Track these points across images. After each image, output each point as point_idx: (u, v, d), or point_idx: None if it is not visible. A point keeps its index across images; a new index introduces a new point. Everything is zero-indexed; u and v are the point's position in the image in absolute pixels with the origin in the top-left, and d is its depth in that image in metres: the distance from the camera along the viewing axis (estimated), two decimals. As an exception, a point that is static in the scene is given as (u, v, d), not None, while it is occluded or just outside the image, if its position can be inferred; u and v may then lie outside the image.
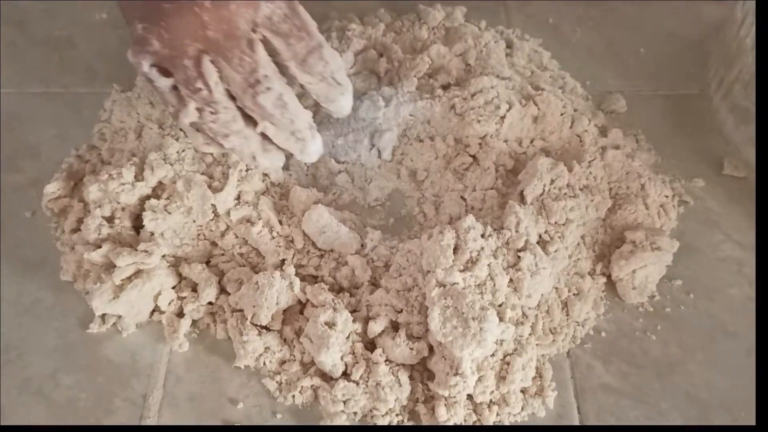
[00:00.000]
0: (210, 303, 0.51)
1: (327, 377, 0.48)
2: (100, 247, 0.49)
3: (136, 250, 0.49)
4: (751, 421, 0.47)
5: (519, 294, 0.48)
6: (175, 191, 0.51)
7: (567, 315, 0.51)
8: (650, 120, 0.62)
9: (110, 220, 0.51)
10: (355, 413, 0.47)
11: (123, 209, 0.51)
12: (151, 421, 0.46)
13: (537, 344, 0.49)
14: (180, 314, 0.50)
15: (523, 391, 0.48)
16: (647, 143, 0.61)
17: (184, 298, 0.50)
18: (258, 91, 0.45)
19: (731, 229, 0.56)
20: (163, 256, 0.50)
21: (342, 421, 0.46)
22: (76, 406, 0.47)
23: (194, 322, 0.51)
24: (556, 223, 0.51)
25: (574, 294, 0.52)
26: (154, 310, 0.51)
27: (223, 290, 0.51)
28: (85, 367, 0.49)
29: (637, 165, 0.57)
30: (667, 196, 0.56)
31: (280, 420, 0.47)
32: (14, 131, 0.61)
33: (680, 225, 0.56)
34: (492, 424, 0.46)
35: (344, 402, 0.46)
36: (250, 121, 0.47)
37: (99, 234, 0.50)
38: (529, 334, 0.49)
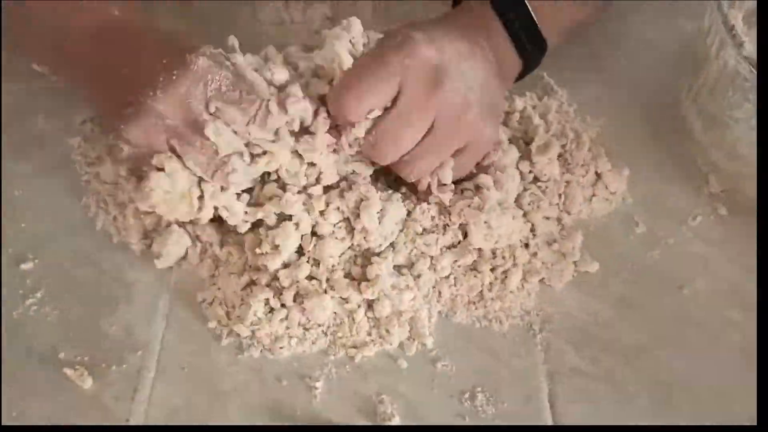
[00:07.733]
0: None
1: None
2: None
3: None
4: (711, 403, 0.50)
5: None
6: None
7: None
8: (627, 125, 0.65)
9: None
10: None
11: None
12: (145, 392, 0.49)
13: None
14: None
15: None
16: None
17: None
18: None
19: (699, 226, 0.59)
20: None
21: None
22: (73, 378, 0.49)
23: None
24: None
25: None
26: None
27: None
28: (84, 341, 0.51)
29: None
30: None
31: (270, 386, 0.50)
32: (22, 122, 0.63)
33: (654, 221, 0.59)
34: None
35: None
36: None
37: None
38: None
